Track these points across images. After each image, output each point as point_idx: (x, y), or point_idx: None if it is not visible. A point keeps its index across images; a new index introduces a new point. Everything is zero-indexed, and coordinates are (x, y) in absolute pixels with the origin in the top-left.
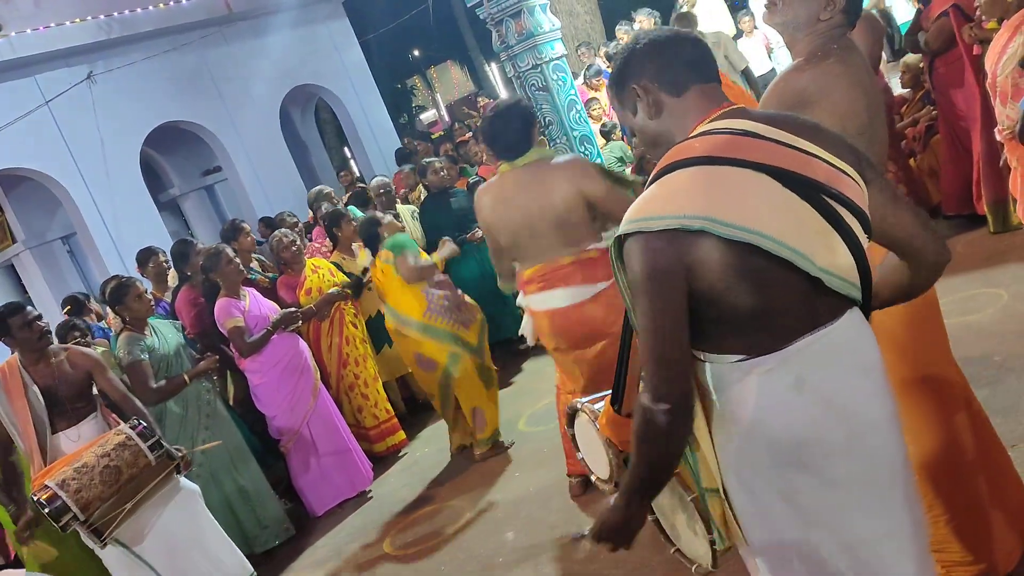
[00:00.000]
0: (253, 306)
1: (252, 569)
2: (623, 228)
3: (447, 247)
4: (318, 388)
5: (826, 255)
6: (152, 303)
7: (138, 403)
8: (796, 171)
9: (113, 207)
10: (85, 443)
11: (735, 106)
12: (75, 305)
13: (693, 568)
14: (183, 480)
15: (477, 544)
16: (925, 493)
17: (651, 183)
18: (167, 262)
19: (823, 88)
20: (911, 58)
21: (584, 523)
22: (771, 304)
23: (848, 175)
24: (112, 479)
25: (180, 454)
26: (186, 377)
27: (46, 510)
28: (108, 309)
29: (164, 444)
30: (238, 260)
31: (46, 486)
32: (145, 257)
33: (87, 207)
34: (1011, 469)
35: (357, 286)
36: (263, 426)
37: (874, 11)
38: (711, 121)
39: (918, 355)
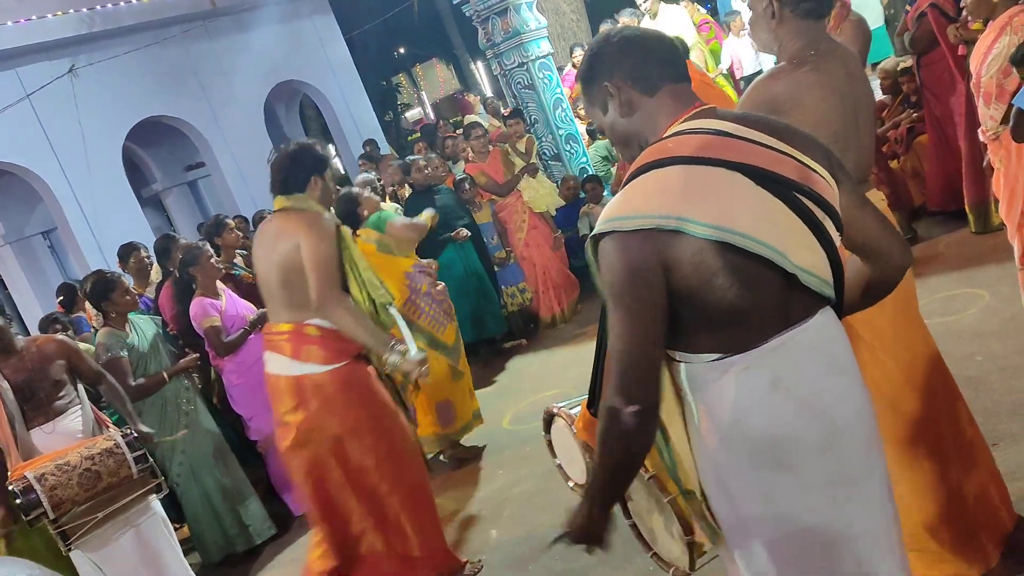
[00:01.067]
0: (229, 305)
1: None
2: (598, 228)
3: (428, 211)
4: None
5: (800, 252)
6: (136, 299)
7: (114, 382)
8: (769, 169)
9: (94, 202)
10: (60, 437)
11: (706, 106)
12: (68, 296)
13: (671, 571)
14: (155, 504)
15: (460, 543)
16: (904, 492)
17: (626, 183)
18: (148, 257)
19: (795, 96)
20: (888, 63)
21: None
22: (747, 301)
23: (819, 174)
24: (90, 484)
25: (161, 478)
26: (165, 375)
27: (17, 500)
28: (88, 304)
29: (150, 460)
30: (217, 258)
31: (24, 476)
32: (126, 252)
33: (68, 202)
34: (992, 468)
35: None
36: (245, 424)
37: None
38: (684, 121)
39: (900, 352)
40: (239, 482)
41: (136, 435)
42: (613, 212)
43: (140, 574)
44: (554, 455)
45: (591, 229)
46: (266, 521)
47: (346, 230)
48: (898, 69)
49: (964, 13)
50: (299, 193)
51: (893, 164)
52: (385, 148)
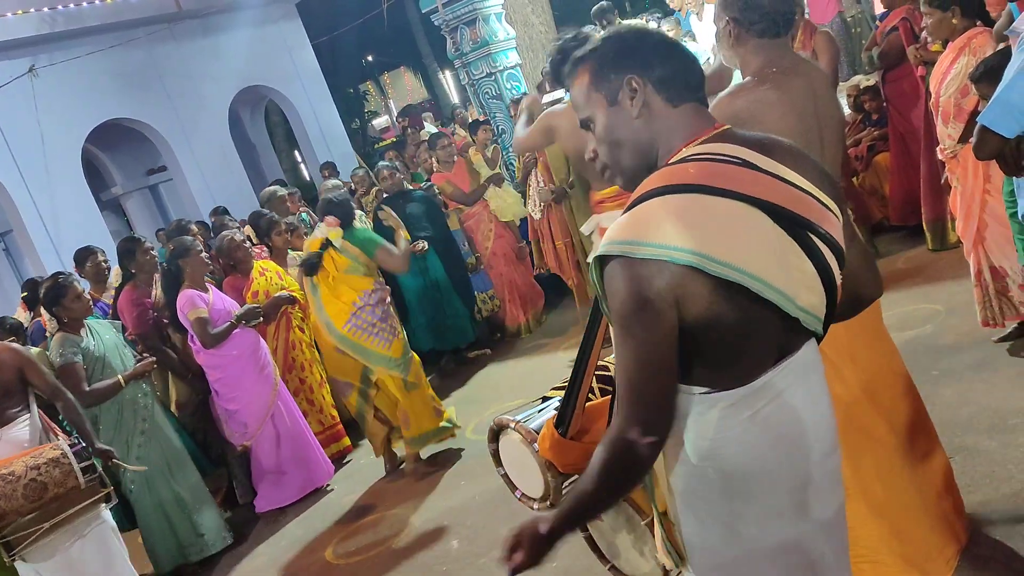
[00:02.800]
0: (217, 300)
1: None
2: (605, 248)
3: (407, 245)
4: (278, 384)
5: (805, 295)
6: (90, 304)
7: (72, 399)
8: (789, 208)
9: (52, 204)
10: (5, 446)
11: (725, 129)
12: (32, 292)
13: None
14: (105, 513)
15: (421, 553)
16: (862, 505)
17: (638, 203)
18: (106, 262)
19: (755, 114)
20: (854, 80)
21: None
22: (745, 343)
23: (831, 210)
24: (36, 495)
25: (110, 487)
26: (121, 380)
27: None
28: (42, 309)
29: (99, 469)
30: (205, 253)
31: None
32: (83, 256)
33: (25, 204)
34: (950, 481)
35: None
36: (204, 433)
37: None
38: (701, 143)
39: (862, 368)
40: (195, 491)
41: (82, 445)
42: (624, 235)
43: None
44: (499, 464)
45: None
46: (222, 531)
47: None
48: (861, 87)
49: (924, 34)
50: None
51: (853, 181)
52: (350, 157)
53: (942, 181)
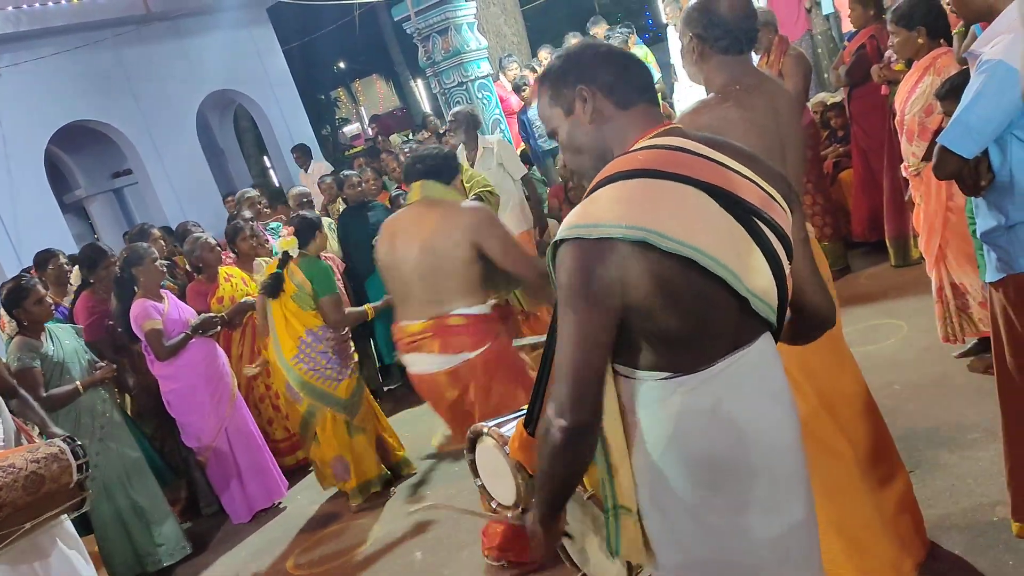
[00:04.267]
0: (172, 310)
1: None
2: (561, 233)
3: (385, 300)
4: (235, 396)
5: (754, 277)
6: (52, 308)
7: (26, 396)
8: (731, 191)
9: (13, 206)
10: None
11: (673, 125)
12: (13, 295)
13: None
14: (67, 522)
15: (385, 564)
16: (823, 519)
17: (591, 192)
18: (67, 264)
19: (718, 132)
20: (818, 97)
21: None
22: (701, 323)
23: (778, 203)
24: (34, 488)
25: (88, 491)
26: (80, 386)
27: None
28: (2, 312)
29: (88, 470)
30: (161, 262)
31: None
32: (44, 259)
33: None
34: (910, 496)
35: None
36: (163, 441)
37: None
38: (652, 137)
39: (826, 388)
40: (154, 500)
41: (81, 444)
42: (577, 219)
43: None
44: (476, 475)
45: None
46: (180, 541)
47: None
48: (827, 104)
49: (888, 53)
50: (445, 184)
51: (824, 197)
52: (294, 167)
53: (906, 198)
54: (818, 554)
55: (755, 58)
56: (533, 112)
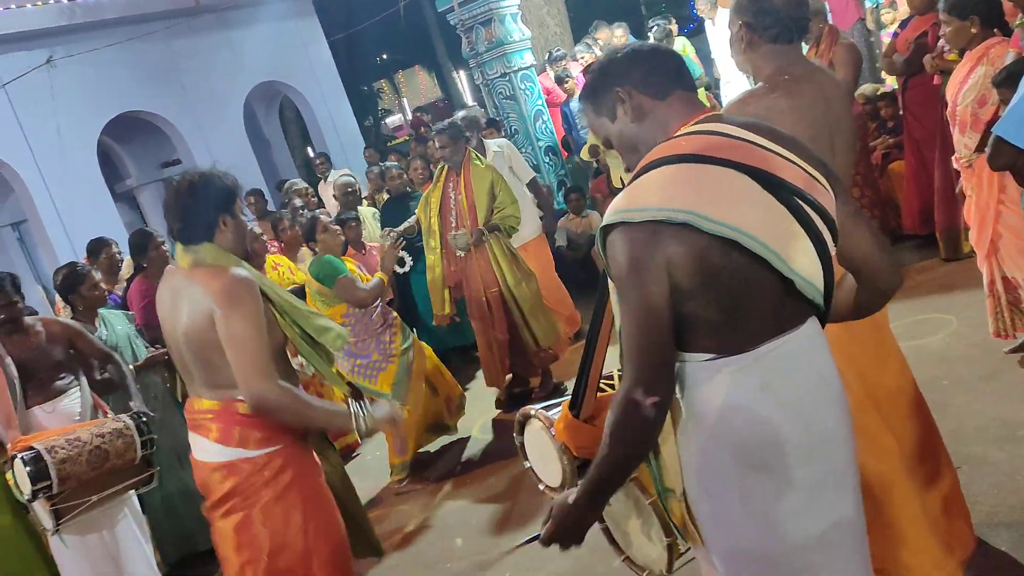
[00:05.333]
0: None
1: None
2: (607, 219)
3: (387, 257)
4: None
5: (799, 258)
6: (105, 293)
7: (120, 361)
8: (774, 173)
9: (67, 195)
10: (59, 418)
11: (714, 112)
12: (69, 281)
13: (644, 575)
14: (133, 497)
15: (425, 548)
16: (868, 515)
17: (635, 178)
18: (120, 253)
19: (766, 120)
20: (866, 88)
21: (534, 529)
22: (744, 303)
23: (821, 184)
24: (98, 462)
25: (156, 468)
26: (132, 369)
27: (27, 469)
28: (57, 297)
29: (154, 447)
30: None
31: (32, 447)
32: (96, 248)
33: (40, 194)
34: (957, 492)
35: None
36: None
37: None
38: (693, 124)
39: (872, 381)
40: None
41: (145, 421)
42: (622, 204)
43: (105, 566)
44: (525, 458)
45: (568, 241)
46: None
47: (260, 277)
48: (877, 94)
49: (941, 43)
50: (206, 243)
51: (874, 190)
52: (339, 158)
53: (957, 190)
54: (866, 546)
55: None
56: (575, 103)
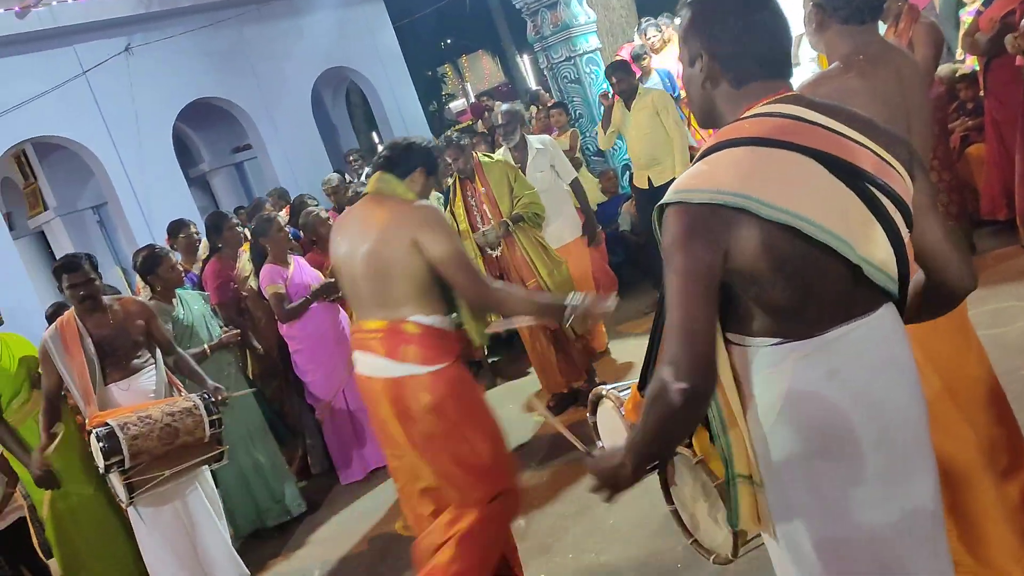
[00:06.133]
0: (296, 274)
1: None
2: (666, 198)
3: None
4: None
5: (867, 245)
6: (182, 274)
7: (184, 355)
8: (843, 158)
9: (144, 179)
10: (135, 395)
11: (789, 93)
12: (149, 262)
13: (711, 559)
14: (207, 471)
15: None
16: (945, 500)
17: (699, 158)
18: (197, 234)
19: (838, 101)
20: (944, 69)
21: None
22: (809, 290)
23: (896, 169)
24: (169, 439)
25: (226, 446)
26: (207, 349)
27: (101, 444)
28: (137, 278)
29: (222, 426)
30: (288, 228)
31: (106, 423)
32: (176, 229)
33: (119, 178)
34: None
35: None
36: (282, 403)
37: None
38: (765, 104)
39: (951, 374)
40: (274, 459)
41: (211, 396)
42: (682, 184)
43: (180, 539)
44: (598, 437)
45: (631, 227)
46: (297, 499)
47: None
48: (956, 75)
49: (1022, 23)
50: (401, 179)
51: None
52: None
53: None
54: (944, 537)
55: (882, 27)
56: (651, 82)
